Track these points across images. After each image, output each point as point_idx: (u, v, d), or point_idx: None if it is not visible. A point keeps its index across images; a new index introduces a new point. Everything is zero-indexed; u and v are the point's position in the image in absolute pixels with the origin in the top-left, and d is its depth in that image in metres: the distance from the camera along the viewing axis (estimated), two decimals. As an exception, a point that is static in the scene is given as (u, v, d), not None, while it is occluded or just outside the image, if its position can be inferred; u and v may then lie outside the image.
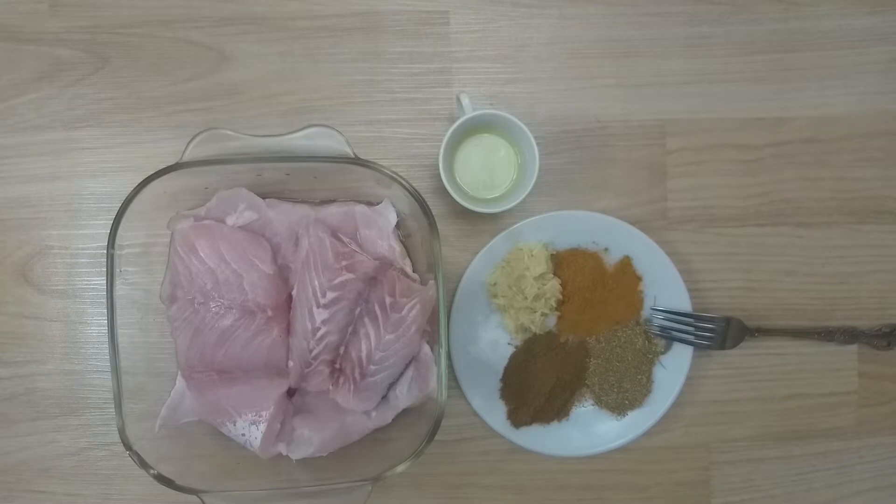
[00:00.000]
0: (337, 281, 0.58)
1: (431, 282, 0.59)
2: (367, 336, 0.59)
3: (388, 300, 0.59)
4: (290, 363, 0.61)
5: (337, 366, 0.61)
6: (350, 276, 0.58)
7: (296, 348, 0.60)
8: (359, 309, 0.60)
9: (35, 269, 0.68)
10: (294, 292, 0.61)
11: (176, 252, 0.60)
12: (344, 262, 0.58)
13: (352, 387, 0.60)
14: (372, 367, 0.60)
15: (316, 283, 0.59)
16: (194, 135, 0.56)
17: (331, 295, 0.58)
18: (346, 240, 0.61)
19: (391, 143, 0.69)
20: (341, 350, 0.61)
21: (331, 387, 0.61)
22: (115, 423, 0.56)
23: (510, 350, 0.69)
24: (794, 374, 0.71)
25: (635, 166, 0.70)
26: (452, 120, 0.66)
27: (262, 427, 0.58)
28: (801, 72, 0.71)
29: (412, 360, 0.61)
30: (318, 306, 0.59)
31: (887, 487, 0.72)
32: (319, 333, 0.59)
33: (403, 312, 0.59)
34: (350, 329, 0.60)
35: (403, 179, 0.58)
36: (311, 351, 0.60)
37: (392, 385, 0.62)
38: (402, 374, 0.62)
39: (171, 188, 0.59)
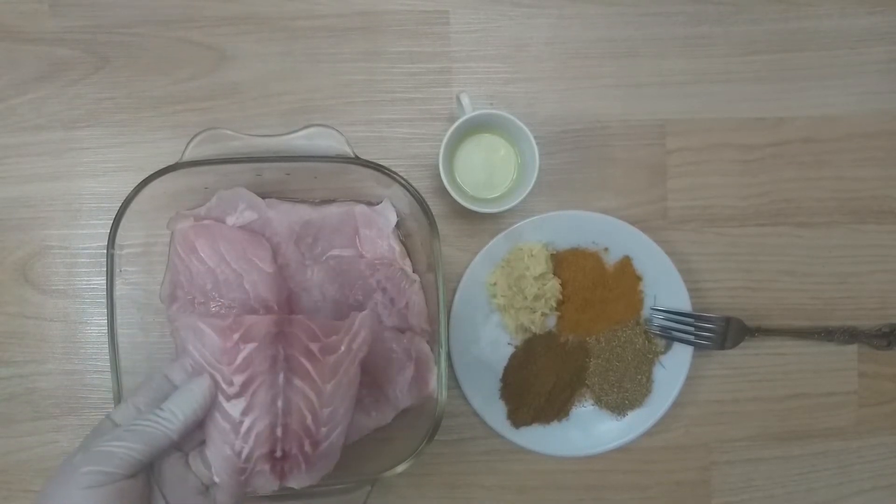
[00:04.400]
0: (239, 360, 0.48)
1: (355, 313, 0.52)
2: (305, 398, 0.49)
3: (314, 347, 0.50)
4: (216, 480, 0.48)
5: (278, 454, 0.49)
6: (252, 345, 0.48)
7: (218, 461, 0.48)
8: (281, 375, 0.49)
9: (35, 269, 0.68)
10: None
11: (176, 252, 0.60)
12: (235, 336, 0.48)
13: (303, 466, 0.50)
14: (323, 430, 0.50)
15: (217, 375, 0.48)
16: (194, 135, 0.56)
17: (239, 379, 0.48)
18: (333, 259, 0.58)
19: (391, 143, 0.69)
20: (278, 432, 0.49)
21: (279, 481, 0.50)
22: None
23: (510, 350, 0.69)
24: (794, 374, 0.71)
25: (635, 166, 0.70)
26: (452, 120, 0.66)
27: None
28: (801, 72, 0.71)
29: (410, 360, 0.61)
30: (229, 399, 0.47)
31: (887, 487, 0.72)
32: (244, 428, 0.48)
33: (342, 350, 0.51)
34: (280, 403, 0.49)
35: (403, 179, 0.58)
36: (239, 455, 0.48)
37: (383, 391, 0.61)
38: (391, 379, 0.61)
39: (171, 188, 0.59)
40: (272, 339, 0.49)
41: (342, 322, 0.51)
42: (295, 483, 0.50)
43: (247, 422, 0.48)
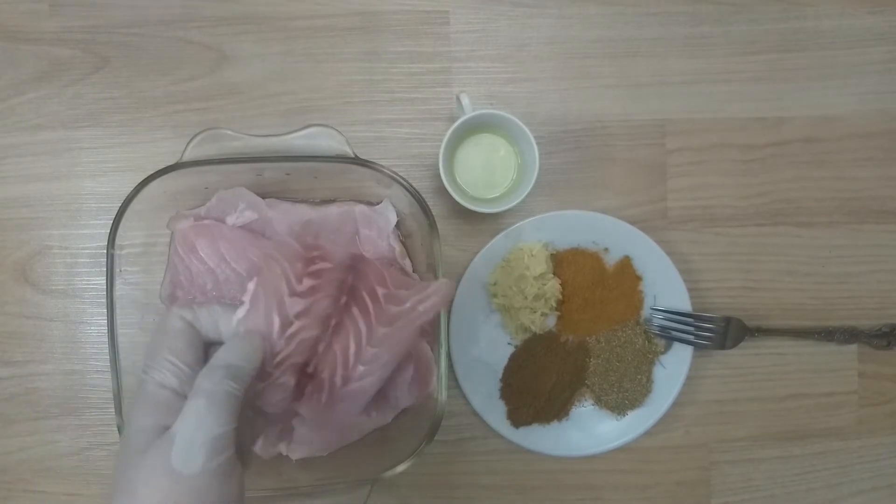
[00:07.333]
0: (313, 269, 0.48)
1: (444, 280, 0.52)
2: (356, 328, 0.49)
3: (380, 291, 0.50)
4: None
5: (309, 370, 0.49)
6: (327, 264, 0.49)
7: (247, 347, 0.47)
8: (344, 298, 0.49)
9: (35, 269, 0.68)
10: (250, 293, 0.47)
11: (176, 252, 0.60)
12: (316, 253, 0.49)
13: (324, 397, 0.50)
14: (360, 369, 0.50)
15: (288, 266, 0.47)
16: (194, 135, 0.56)
17: (308, 282, 0.47)
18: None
19: (391, 143, 0.69)
20: (320, 348, 0.49)
21: (293, 401, 0.49)
22: (115, 423, 0.56)
23: (510, 350, 0.69)
24: (794, 374, 0.72)
25: (635, 166, 0.70)
26: (452, 120, 0.66)
27: (263, 426, 0.58)
28: (801, 72, 0.71)
29: (410, 360, 0.61)
30: (292, 294, 0.47)
31: (887, 487, 0.72)
32: (292, 329, 0.47)
33: (408, 305, 0.50)
34: (333, 322, 0.49)
35: (403, 179, 0.58)
36: (275, 355, 0.46)
37: (383, 391, 0.61)
38: (391, 379, 0.61)
39: (171, 188, 0.58)
40: (345, 267, 0.49)
41: (419, 282, 0.52)
42: (305, 412, 0.49)
43: (297, 325, 0.47)
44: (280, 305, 0.46)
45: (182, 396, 0.38)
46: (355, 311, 0.49)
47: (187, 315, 0.42)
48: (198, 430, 0.36)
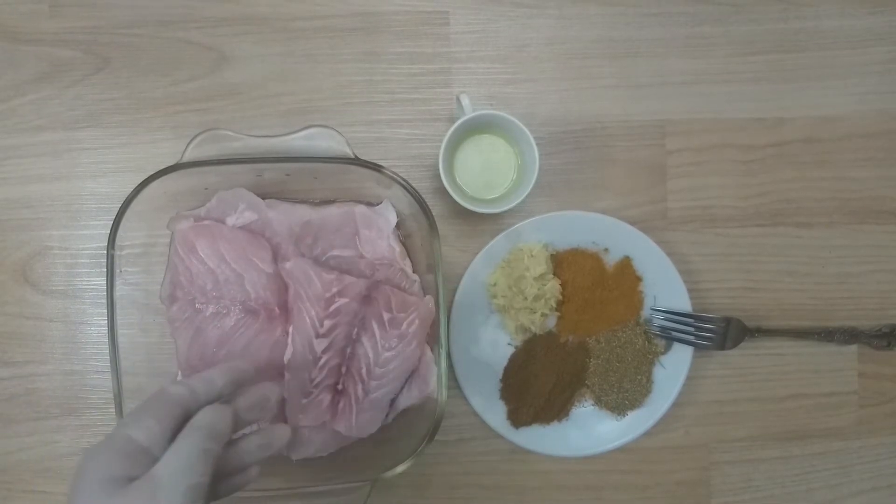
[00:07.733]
0: (332, 308, 0.58)
1: (429, 296, 0.59)
2: (366, 355, 0.59)
3: (386, 316, 0.59)
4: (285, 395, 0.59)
5: (339, 387, 0.60)
6: (344, 300, 0.58)
7: (293, 382, 0.59)
8: (356, 330, 0.60)
9: (35, 269, 0.68)
10: (290, 329, 0.60)
11: (176, 252, 0.60)
12: (335, 289, 0.58)
13: (354, 409, 0.60)
14: (374, 383, 0.60)
15: (313, 313, 0.58)
16: (194, 135, 0.56)
17: (328, 323, 0.58)
18: (333, 260, 0.61)
19: (391, 144, 0.69)
20: (343, 370, 0.60)
21: (329, 417, 0.61)
22: (114, 424, 0.56)
23: (510, 350, 0.69)
24: (794, 374, 0.72)
25: (635, 166, 0.70)
26: (452, 120, 0.66)
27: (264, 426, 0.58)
28: (801, 72, 0.71)
29: (413, 372, 0.61)
30: (318, 336, 0.58)
31: (887, 487, 0.72)
32: (321, 362, 0.59)
33: (403, 328, 0.59)
34: (349, 350, 0.60)
35: (403, 180, 0.58)
36: (312, 381, 0.59)
37: (393, 399, 0.62)
38: (402, 387, 0.62)
39: (171, 188, 0.59)
40: (360, 299, 0.59)
41: (413, 301, 0.60)
42: (343, 426, 0.60)
43: (325, 358, 0.59)
44: (310, 346, 0.58)
45: (147, 451, 0.40)
46: (364, 339, 0.59)
47: (180, 389, 0.44)
48: (181, 474, 0.39)
